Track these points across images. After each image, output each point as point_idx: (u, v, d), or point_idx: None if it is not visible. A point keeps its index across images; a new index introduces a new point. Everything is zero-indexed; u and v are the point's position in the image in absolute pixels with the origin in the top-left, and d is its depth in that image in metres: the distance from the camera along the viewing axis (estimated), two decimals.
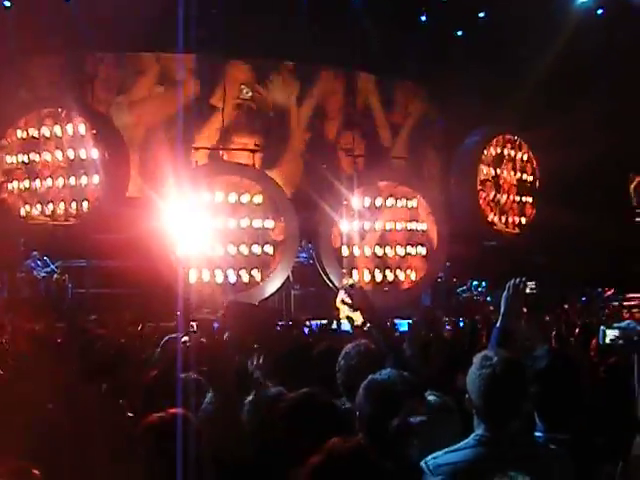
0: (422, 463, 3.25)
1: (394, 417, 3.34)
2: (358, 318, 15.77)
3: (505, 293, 4.79)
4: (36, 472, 2.85)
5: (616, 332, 4.60)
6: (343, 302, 16.65)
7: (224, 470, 3.57)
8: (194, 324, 9.59)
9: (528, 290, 4.97)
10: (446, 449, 3.27)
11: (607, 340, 4.64)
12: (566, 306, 15.09)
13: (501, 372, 3.25)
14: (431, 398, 3.82)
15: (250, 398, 4.33)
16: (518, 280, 4.80)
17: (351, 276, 19.13)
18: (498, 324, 4.69)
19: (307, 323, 13.50)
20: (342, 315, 16.23)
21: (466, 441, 3.30)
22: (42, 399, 4.46)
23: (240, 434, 4.01)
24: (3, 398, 4.38)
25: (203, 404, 4.33)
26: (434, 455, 3.26)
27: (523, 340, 6.11)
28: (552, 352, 3.92)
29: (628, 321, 4.83)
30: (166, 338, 6.52)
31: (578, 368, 3.95)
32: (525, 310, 6.70)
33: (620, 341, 4.56)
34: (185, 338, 6.58)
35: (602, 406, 4.41)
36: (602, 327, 4.74)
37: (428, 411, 3.61)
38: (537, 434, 3.57)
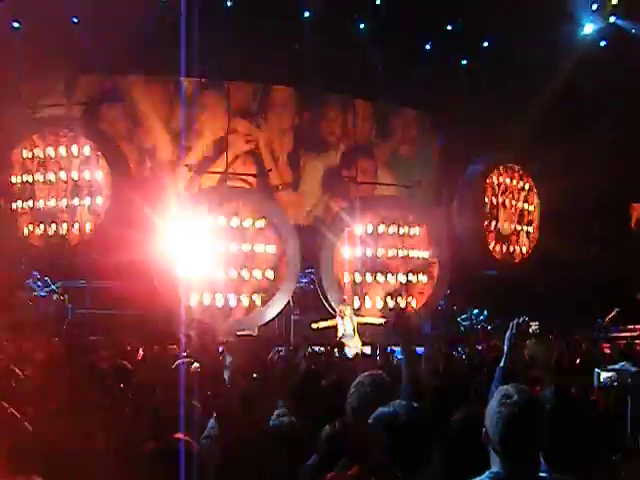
0: None
1: (400, 448, 3.35)
2: (357, 344, 15.86)
3: (508, 333, 4.79)
4: None
5: (610, 374, 4.59)
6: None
7: None
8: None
9: (531, 330, 4.96)
10: None
11: (602, 381, 4.62)
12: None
13: (521, 412, 3.21)
14: None
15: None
16: (521, 319, 4.80)
17: (352, 303, 19.10)
18: (502, 363, 4.69)
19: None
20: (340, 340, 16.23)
21: (480, 478, 3.27)
22: (41, 422, 4.47)
23: (246, 457, 4.03)
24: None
25: (206, 430, 4.34)
26: None
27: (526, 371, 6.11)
28: (557, 393, 3.90)
29: (622, 363, 4.82)
30: (177, 362, 6.51)
31: (583, 409, 3.93)
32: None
33: (615, 383, 4.55)
34: (196, 364, 6.57)
35: (604, 442, 4.39)
36: (597, 369, 4.72)
37: None
38: (542, 475, 3.54)
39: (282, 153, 22.73)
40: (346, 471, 3.16)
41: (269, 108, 22.71)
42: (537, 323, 5.07)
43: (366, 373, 4.53)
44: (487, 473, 3.27)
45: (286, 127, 22.92)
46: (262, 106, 22.62)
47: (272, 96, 22.76)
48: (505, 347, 4.75)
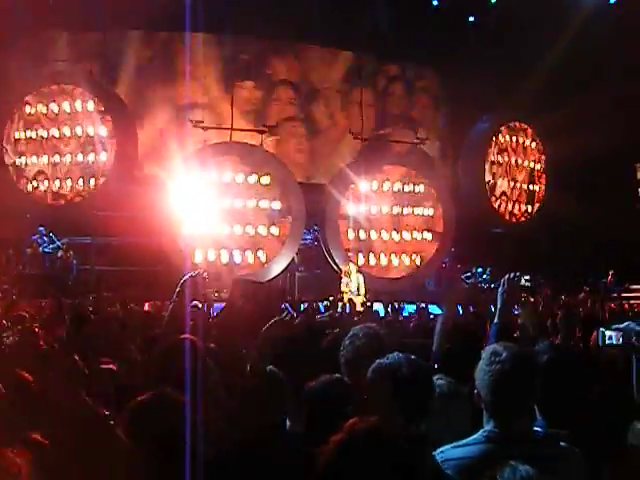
0: None
1: (400, 401, 3.34)
2: (359, 302, 15.92)
3: (500, 289, 4.80)
4: (44, 443, 2.86)
5: (615, 333, 4.59)
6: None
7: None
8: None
9: (522, 283, 4.98)
10: (454, 443, 3.25)
11: (606, 341, 4.62)
12: (563, 297, 15.08)
13: (511, 368, 3.18)
14: (440, 382, 3.81)
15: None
16: (512, 275, 4.81)
17: (356, 260, 19.13)
18: (495, 319, 4.69)
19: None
20: (345, 298, 16.31)
21: (475, 437, 3.25)
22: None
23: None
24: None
25: None
26: (442, 449, 3.23)
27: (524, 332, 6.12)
28: (553, 347, 3.89)
29: (628, 322, 4.81)
30: (185, 277, 6.24)
31: (579, 363, 3.93)
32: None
33: (620, 342, 4.54)
34: (205, 274, 6.47)
35: (601, 399, 4.39)
36: (601, 328, 4.72)
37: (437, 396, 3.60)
38: (536, 429, 3.54)
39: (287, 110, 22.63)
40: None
41: (274, 64, 22.55)
42: (528, 277, 5.06)
43: (360, 325, 4.52)
44: (481, 432, 3.26)
45: (293, 83, 22.80)
46: (266, 62, 22.45)
47: (277, 53, 22.58)
48: (498, 303, 4.77)
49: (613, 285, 19.27)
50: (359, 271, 17.68)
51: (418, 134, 23.29)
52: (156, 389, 3.19)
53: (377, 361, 3.54)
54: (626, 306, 15.06)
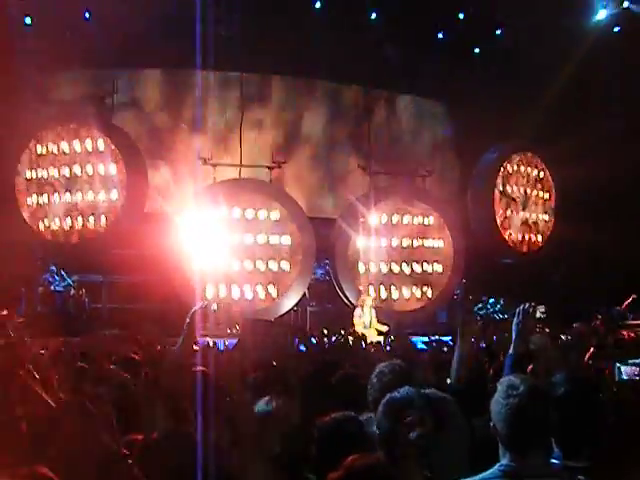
0: None
1: (411, 434, 3.32)
2: (372, 335, 15.87)
3: (515, 319, 4.79)
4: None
5: (631, 368, 4.57)
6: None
7: None
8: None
9: (538, 314, 4.96)
10: (472, 478, 3.23)
11: (623, 376, 4.60)
12: (575, 325, 14.93)
13: (528, 402, 3.18)
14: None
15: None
16: (527, 305, 4.79)
17: (368, 293, 19.08)
18: (510, 350, 4.68)
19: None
20: (358, 331, 16.25)
21: (491, 470, 3.23)
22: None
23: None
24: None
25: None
26: None
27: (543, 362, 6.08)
28: (570, 379, 3.87)
29: None
30: (194, 309, 6.21)
31: (597, 395, 3.90)
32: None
33: (637, 377, 4.52)
34: (214, 306, 6.49)
35: (618, 431, 4.35)
36: (617, 364, 4.70)
37: None
38: (553, 461, 3.51)
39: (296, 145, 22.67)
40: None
41: (281, 100, 22.65)
42: (543, 308, 5.03)
43: (384, 363, 4.51)
44: (497, 466, 3.23)
45: (299, 118, 22.86)
46: (273, 98, 22.55)
47: (285, 88, 22.69)
48: (513, 334, 4.75)
49: (627, 312, 19.10)
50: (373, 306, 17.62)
51: (426, 166, 23.30)
52: (167, 425, 3.20)
53: (388, 395, 3.54)
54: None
